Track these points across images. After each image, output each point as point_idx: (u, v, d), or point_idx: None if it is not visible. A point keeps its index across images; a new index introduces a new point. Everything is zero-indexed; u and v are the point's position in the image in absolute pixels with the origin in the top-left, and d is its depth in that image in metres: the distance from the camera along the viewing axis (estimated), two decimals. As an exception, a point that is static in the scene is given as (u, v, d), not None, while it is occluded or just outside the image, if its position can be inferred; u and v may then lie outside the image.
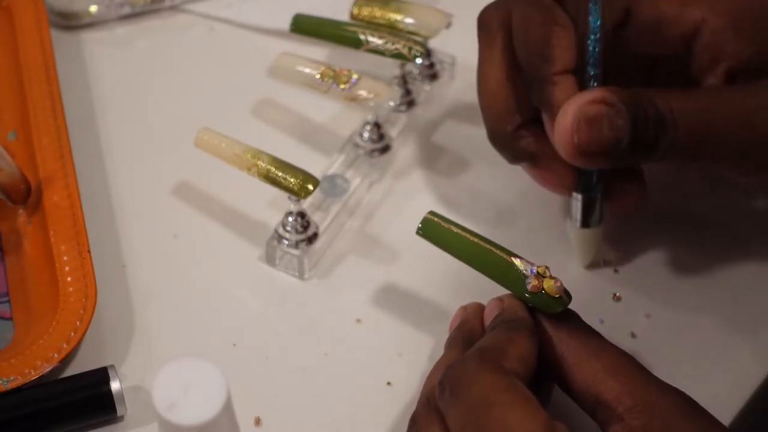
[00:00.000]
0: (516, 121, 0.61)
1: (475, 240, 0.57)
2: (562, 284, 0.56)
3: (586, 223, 0.62)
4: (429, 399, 0.53)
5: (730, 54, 0.57)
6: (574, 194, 0.62)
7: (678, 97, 0.56)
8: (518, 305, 0.57)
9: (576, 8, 0.59)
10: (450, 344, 0.57)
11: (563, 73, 0.58)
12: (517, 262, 0.56)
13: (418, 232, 0.58)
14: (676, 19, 0.58)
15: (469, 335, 0.57)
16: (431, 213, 0.58)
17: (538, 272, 0.56)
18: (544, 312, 0.56)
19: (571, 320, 0.56)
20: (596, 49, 0.58)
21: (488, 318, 0.57)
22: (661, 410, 0.51)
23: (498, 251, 0.57)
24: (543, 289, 0.56)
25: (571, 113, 0.56)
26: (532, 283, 0.56)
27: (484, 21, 0.62)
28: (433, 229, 0.58)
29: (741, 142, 0.56)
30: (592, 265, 0.65)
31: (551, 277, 0.56)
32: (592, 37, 0.58)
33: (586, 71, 0.59)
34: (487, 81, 0.61)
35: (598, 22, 0.58)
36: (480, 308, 0.59)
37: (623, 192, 0.62)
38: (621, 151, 0.55)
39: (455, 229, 0.58)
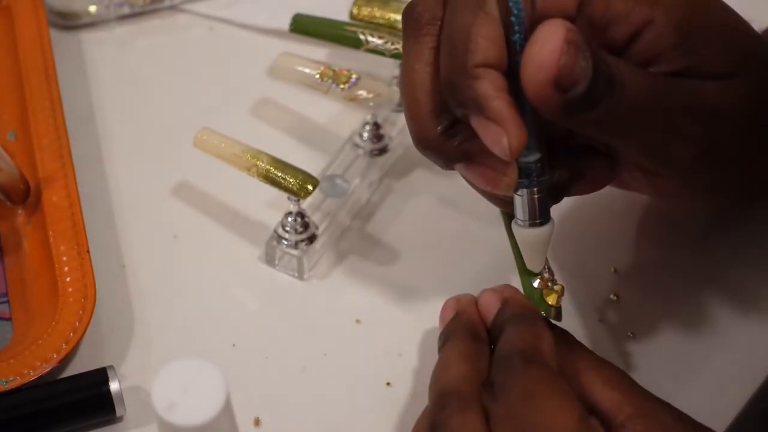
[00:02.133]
0: (447, 119, 0.55)
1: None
2: (560, 303, 0.57)
3: (534, 220, 0.56)
4: (459, 392, 0.53)
5: (667, 60, 0.55)
6: (522, 189, 0.55)
7: (627, 63, 0.54)
8: (521, 296, 0.57)
9: None
10: (453, 334, 0.57)
11: (485, 66, 0.52)
12: (545, 267, 0.57)
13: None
14: (625, 17, 0.55)
15: (470, 324, 0.57)
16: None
17: (553, 278, 0.57)
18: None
19: (568, 337, 0.56)
20: (521, 18, 0.52)
21: (486, 309, 0.57)
22: (660, 418, 0.52)
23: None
24: (542, 292, 0.56)
25: (563, 35, 0.50)
26: (538, 280, 0.57)
27: (413, 14, 0.56)
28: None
29: (674, 131, 0.55)
30: (538, 271, 0.59)
31: (557, 292, 0.57)
32: (515, 11, 0.52)
33: (511, 41, 0.53)
34: (413, 77, 0.55)
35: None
36: (473, 300, 0.59)
37: (593, 170, 0.59)
38: (578, 95, 0.51)
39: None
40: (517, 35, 0.52)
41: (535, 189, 0.55)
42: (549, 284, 0.57)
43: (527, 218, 0.56)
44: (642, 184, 0.61)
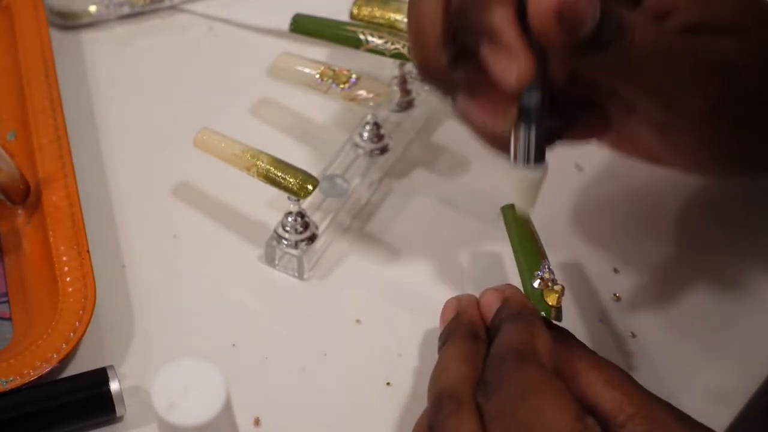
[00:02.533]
0: (451, 50, 0.55)
1: (533, 234, 0.59)
2: (560, 304, 0.56)
3: (527, 159, 0.56)
4: (457, 392, 0.52)
5: (682, 15, 0.56)
6: (519, 127, 0.56)
7: (638, 13, 0.55)
8: (521, 296, 0.57)
9: None
10: (453, 334, 0.57)
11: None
12: (544, 264, 0.57)
13: (502, 208, 0.60)
14: None
15: (471, 326, 0.57)
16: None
17: (553, 278, 0.57)
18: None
19: (568, 337, 0.56)
20: None
21: (487, 309, 0.57)
22: (661, 417, 0.52)
23: (538, 244, 0.58)
24: (543, 293, 0.56)
25: None
26: (538, 280, 0.57)
27: None
28: (513, 213, 0.59)
29: (685, 85, 0.56)
30: (529, 213, 0.59)
31: (558, 292, 0.56)
32: None
33: None
34: (422, 8, 0.55)
35: None
36: (474, 300, 0.58)
37: (588, 119, 0.59)
38: (584, 35, 0.52)
39: (529, 224, 0.59)
40: None
41: (533, 128, 0.55)
42: (549, 284, 0.57)
43: (523, 157, 0.56)
44: (659, 144, 0.60)
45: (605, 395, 0.53)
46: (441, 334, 0.58)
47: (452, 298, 0.59)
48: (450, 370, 0.54)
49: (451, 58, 0.55)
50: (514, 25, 0.52)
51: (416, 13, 0.55)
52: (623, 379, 0.54)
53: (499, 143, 0.57)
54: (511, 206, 0.60)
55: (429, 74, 0.56)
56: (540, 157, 0.56)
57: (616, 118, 0.61)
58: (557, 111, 0.57)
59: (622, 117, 0.61)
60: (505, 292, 0.57)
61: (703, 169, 0.64)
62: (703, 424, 0.53)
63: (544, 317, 0.56)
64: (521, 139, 0.55)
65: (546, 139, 0.56)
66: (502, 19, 0.52)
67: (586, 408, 0.52)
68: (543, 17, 0.51)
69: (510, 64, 0.52)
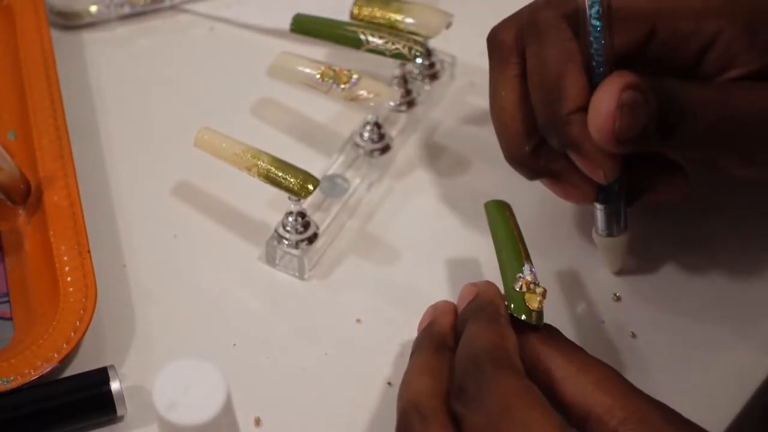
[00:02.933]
0: (534, 140, 0.61)
1: (515, 235, 0.60)
2: (542, 308, 0.56)
3: (610, 231, 0.63)
4: (420, 406, 0.52)
5: (743, 62, 0.58)
6: (596, 204, 0.62)
7: (697, 88, 0.57)
8: (494, 291, 0.57)
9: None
10: (419, 347, 0.56)
11: (576, 112, 0.57)
12: (527, 266, 0.57)
13: (485, 204, 0.62)
14: (694, 34, 0.58)
15: (438, 337, 0.56)
16: (505, 203, 0.62)
17: (535, 280, 0.57)
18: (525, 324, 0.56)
19: (554, 335, 0.56)
20: (600, 50, 0.58)
21: (463, 302, 0.57)
22: (652, 421, 0.51)
23: (523, 252, 0.58)
24: (524, 296, 0.56)
25: (613, 100, 0.55)
26: (519, 282, 0.56)
27: (496, 42, 0.61)
28: (496, 209, 0.62)
29: (754, 137, 0.57)
30: (621, 272, 0.65)
31: (540, 296, 0.56)
32: (595, 45, 0.58)
33: (593, 71, 0.58)
34: (502, 103, 0.61)
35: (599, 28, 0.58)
36: (450, 307, 0.58)
37: (667, 183, 0.62)
38: (648, 137, 0.56)
39: (510, 221, 0.61)
40: (597, 68, 0.58)
41: (613, 206, 0.62)
42: (531, 286, 0.56)
43: (604, 228, 0.63)
44: (739, 176, 0.63)
45: (595, 399, 0.52)
46: (412, 346, 0.58)
47: (430, 306, 0.59)
48: (413, 384, 0.54)
49: (533, 147, 0.61)
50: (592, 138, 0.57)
51: (497, 109, 0.62)
52: (613, 380, 0.53)
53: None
54: (495, 202, 0.62)
55: (514, 161, 0.62)
56: (620, 227, 0.63)
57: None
58: (635, 175, 0.62)
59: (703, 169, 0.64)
60: (480, 287, 0.57)
61: None
62: (698, 425, 0.53)
63: (529, 334, 0.55)
64: (603, 214, 0.62)
65: (625, 207, 0.62)
66: (582, 133, 0.57)
67: (579, 413, 0.52)
68: (603, 141, 0.56)
69: (596, 169, 0.58)
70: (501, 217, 0.61)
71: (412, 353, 0.56)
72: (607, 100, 0.56)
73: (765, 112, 0.57)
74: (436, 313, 0.58)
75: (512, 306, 0.56)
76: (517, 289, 0.56)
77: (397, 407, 0.54)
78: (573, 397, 0.53)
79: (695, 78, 0.59)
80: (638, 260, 0.66)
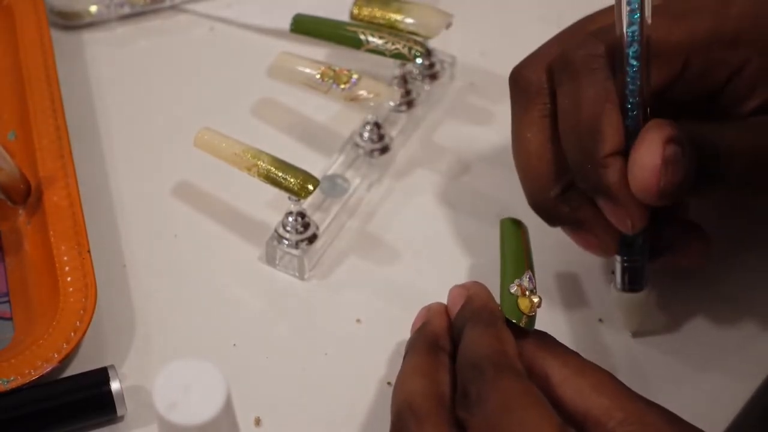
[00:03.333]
0: (560, 186, 0.59)
1: (523, 248, 0.59)
2: (534, 314, 0.56)
3: (631, 287, 0.61)
4: (414, 407, 0.52)
5: (763, 93, 0.58)
6: (617, 257, 0.60)
7: (731, 131, 0.57)
8: (486, 293, 0.57)
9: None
10: (412, 348, 0.56)
11: (614, 155, 0.56)
12: (527, 274, 0.57)
13: (501, 221, 0.61)
14: (724, 62, 0.58)
15: (431, 338, 0.56)
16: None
17: (533, 288, 0.56)
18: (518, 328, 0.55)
19: (549, 341, 0.56)
20: (635, 91, 0.57)
21: (453, 308, 0.57)
22: (650, 422, 0.51)
23: (526, 262, 0.58)
24: (518, 299, 0.56)
25: (658, 156, 0.55)
26: (515, 286, 0.56)
27: (521, 81, 0.60)
28: (511, 226, 0.61)
29: None
30: (641, 333, 0.63)
31: (534, 303, 0.56)
32: (631, 87, 0.56)
33: (626, 110, 0.57)
34: (526, 145, 0.59)
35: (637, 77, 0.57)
36: (443, 308, 0.58)
37: (688, 246, 0.61)
38: (686, 189, 0.55)
39: (522, 237, 0.60)
40: (632, 110, 0.57)
41: (635, 260, 0.60)
42: (527, 292, 0.56)
43: (622, 284, 0.61)
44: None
45: (593, 401, 0.52)
46: (405, 347, 0.58)
47: (424, 307, 0.59)
48: (407, 385, 0.54)
49: (558, 193, 0.59)
50: (627, 185, 0.56)
51: (521, 152, 0.60)
52: (610, 383, 0.53)
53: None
54: (511, 220, 0.61)
55: (538, 206, 0.60)
56: (639, 283, 0.61)
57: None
58: (656, 236, 0.61)
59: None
60: (470, 289, 0.57)
61: None
62: (696, 426, 0.53)
63: (525, 339, 0.55)
64: (624, 269, 0.60)
65: (646, 264, 0.60)
66: (617, 178, 0.56)
67: (576, 415, 0.52)
68: (644, 197, 0.55)
69: (625, 219, 0.57)
70: (514, 233, 0.60)
71: (406, 354, 0.57)
72: (651, 155, 0.55)
73: None
74: (429, 314, 0.58)
75: (503, 307, 0.56)
76: (512, 292, 0.56)
77: (391, 408, 0.54)
78: (571, 400, 0.53)
79: (715, 108, 0.59)
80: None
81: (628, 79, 0.56)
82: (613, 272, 0.61)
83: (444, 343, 0.56)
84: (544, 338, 0.56)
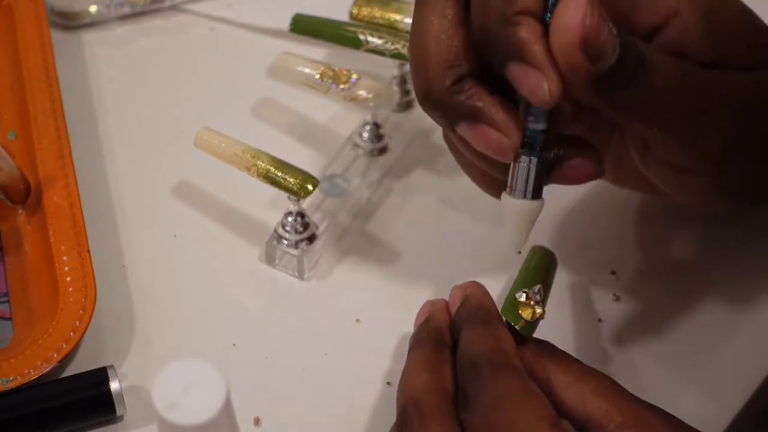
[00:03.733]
0: (458, 72, 0.53)
1: (544, 267, 0.58)
2: (530, 322, 0.55)
3: (527, 191, 0.54)
4: (419, 402, 0.52)
5: (693, 53, 0.55)
6: (520, 157, 0.54)
7: (658, 51, 0.54)
8: (483, 292, 0.57)
9: None
10: (417, 342, 0.56)
11: (525, 14, 0.51)
12: (538, 287, 0.56)
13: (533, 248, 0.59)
14: (650, 5, 0.55)
15: (435, 333, 0.56)
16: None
17: (539, 300, 0.56)
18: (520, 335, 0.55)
19: (550, 348, 0.56)
20: None
21: (453, 306, 0.57)
22: (650, 424, 0.51)
23: (543, 276, 0.57)
24: (520, 304, 0.56)
25: (581, 13, 0.50)
26: (524, 295, 0.56)
27: None
28: (541, 253, 0.59)
29: (703, 122, 0.55)
30: (520, 249, 0.58)
31: (536, 312, 0.55)
32: None
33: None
34: (427, 29, 0.54)
35: None
36: (445, 305, 0.58)
37: (579, 160, 0.56)
38: (607, 67, 0.51)
39: (547, 261, 0.59)
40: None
41: (535, 159, 0.54)
42: (532, 303, 0.56)
43: (522, 188, 0.54)
44: (669, 183, 0.59)
45: (594, 405, 0.52)
46: (409, 341, 0.58)
47: (426, 302, 0.59)
48: (412, 380, 0.54)
49: (452, 82, 0.53)
50: (542, 43, 0.51)
51: (419, 34, 0.54)
52: (611, 387, 0.53)
53: (493, 182, 0.57)
54: (543, 248, 0.60)
55: (430, 99, 0.54)
56: (538, 191, 0.55)
57: (623, 158, 0.60)
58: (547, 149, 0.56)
59: (631, 156, 0.60)
60: (467, 289, 0.57)
61: (713, 205, 0.64)
62: (696, 429, 0.53)
63: (526, 346, 0.55)
64: (521, 170, 0.54)
65: (546, 169, 0.55)
66: (530, 35, 0.51)
67: (578, 420, 0.52)
68: (567, 51, 0.50)
69: (541, 83, 0.51)
70: (542, 258, 0.59)
71: (411, 348, 0.57)
72: (575, 12, 0.50)
73: (720, 98, 0.55)
74: (432, 309, 0.58)
75: (503, 307, 0.56)
76: (516, 297, 0.56)
77: (396, 402, 0.54)
78: (572, 405, 0.53)
79: None
80: (638, 261, 0.66)
81: None
82: (510, 175, 0.55)
83: (447, 339, 0.56)
84: (546, 346, 0.56)
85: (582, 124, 0.58)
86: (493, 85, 0.54)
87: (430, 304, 0.59)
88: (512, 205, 0.55)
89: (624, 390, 0.53)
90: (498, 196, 0.56)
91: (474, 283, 0.58)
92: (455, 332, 0.56)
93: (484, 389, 0.51)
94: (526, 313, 0.55)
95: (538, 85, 0.51)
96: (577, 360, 0.55)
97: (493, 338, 0.54)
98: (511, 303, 0.56)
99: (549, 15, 0.51)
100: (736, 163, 0.57)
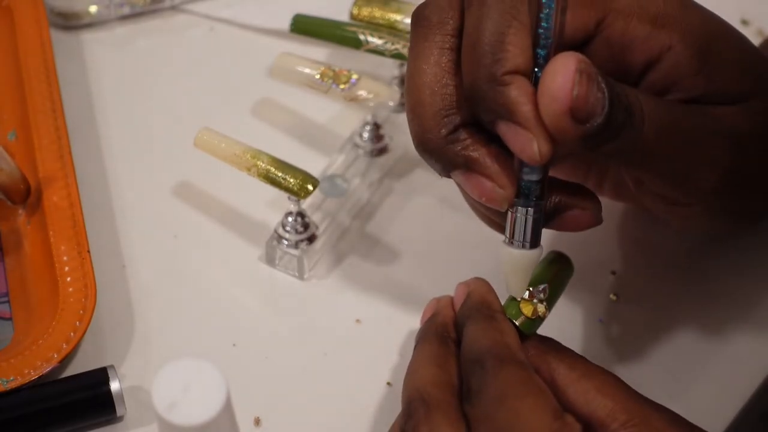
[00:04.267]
0: (453, 122, 0.54)
1: (556, 272, 0.58)
2: (532, 319, 0.55)
3: (525, 240, 0.55)
4: (425, 395, 0.52)
5: (686, 87, 0.56)
6: (517, 208, 0.55)
7: (647, 97, 0.54)
8: (486, 288, 0.57)
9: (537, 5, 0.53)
10: (423, 337, 0.57)
11: (515, 73, 0.52)
12: (543, 286, 0.56)
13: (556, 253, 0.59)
14: (644, 42, 0.55)
15: (441, 328, 0.56)
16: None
17: (542, 299, 0.56)
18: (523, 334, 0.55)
19: (555, 345, 0.55)
20: (548, 31, 0.52)
21: (458, 302, 0.57)
22: (654, 423, 0.51)
23: (552, 277, 0.57)
24: (522, 301, 0.56)
25: (574, 65, 0.50)
26: (527, 292, 0.56)
27: (423, 13, 0.55)
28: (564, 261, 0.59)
29: (695, 160, 0.56)
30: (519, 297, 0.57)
31: (537, 309, 0.55)
32: (544, 24, 0.52)
33: (536, 53, 0.53)
34: (421, 79, 0.54)
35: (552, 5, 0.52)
36: (450, 300, 0.58)
37: (578, 212, 0.56)
38: (596, 126, 0.51)
39: (559, 265, 0.59)
40: (542, 50, 0.52)
41: (531, 210, 0.54)
42: (534, 300, 0.56)
43: (519, 239, 0.55)
44: (665, 213, 0.61)
45: (598, 403, 0.52)
46: (415, 338, 0.58)
47: (433, 299, 0.59)
48: (419, 374, 0.54)
49: (448, 132, 0.54)
50: (532, 102, 0.51)
51: (413, 84, 0.55)
52: (615, 386, 0.53)
53: (493, 221, 0.58)
54: (560, 253, 0.59)
55: (426, 147, 0.55)
56: (535, 240, 0.55)
57: (622, 181, 0.61)
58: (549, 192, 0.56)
59: (626, 190, 0.61)
60: (470, 285, 0.57)
61: (710, 230, 0.65)
62: (700, 427, 0.53)
63: (531, 344, 0.55)
64: (518, 220, 0.55)
65: (542, 217, 0.55)
66: (520, 96, 0.51)
67: (582, 417, 0.52)
68: (555, 119, 0.51)
69: (530, 142, 0.51)
70: (555, 261, 0.59)
71: (417, 343, 0.57)
72: (566, 64, 0.50)
73: (709, 134, 0.55)
74: (438, 306, 0.58)
75: (506, 303, 0.56)
76: (518, 295, 0.56)
77: (402, 395, 0.54)
78: (576, 403, 0.53)
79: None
80: (638, 261, 0.66)
81: (542, 16, 0.52)
82: (508, 225, 0.55)
83: (453, 335, 0.56)
84: (550, 343, 0.56)
85: (578, 154, 0.59)
86: (489, 132, 0.54)
87: (436, 301, 0.59)
88: (509, 255, 0.55)
89: (628, 388, 0.53)
90: (502, 231, 0.56)
91: (478, 279, 0.58)
92: (459, 328, 0.56)
93: (488, 383, 0.51)
94: (527, 310, 0.55)
95: (528, 144, 0.52)
96: (581, 357, 0.55)
97: (497, 333, 0.54)
98: (513, 299, 0.56)
99: (538, 72, 0.52)
100: (731, 193, 0.58)
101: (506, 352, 0.53)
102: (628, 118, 0.52)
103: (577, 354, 0.55)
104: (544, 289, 0.56)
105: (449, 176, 0.56)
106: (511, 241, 0.55)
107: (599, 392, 0.53)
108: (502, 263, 0.56)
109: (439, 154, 0.55)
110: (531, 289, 0.56)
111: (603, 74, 0.51)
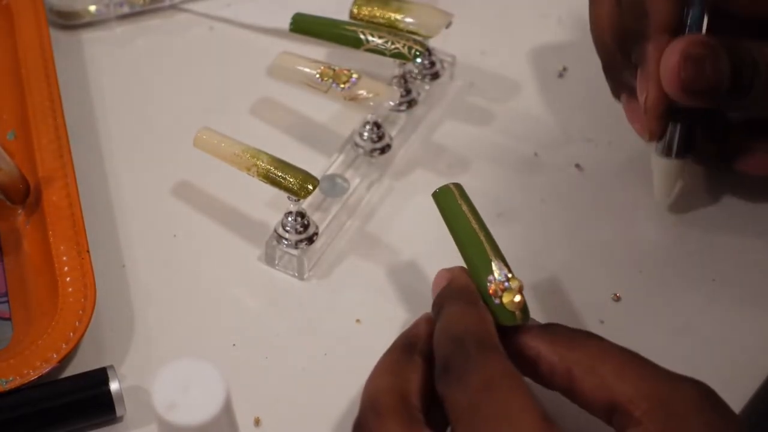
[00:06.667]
0: (626, 55, 0.63)
1: (474, 227, 0.57)
2: (523, 302, 0.54)
3: (669, 150, 0.64)
4: (376, 403, 0.52)
5: None
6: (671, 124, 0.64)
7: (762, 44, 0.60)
8: (466, 277, 0.56)
9: None
10: (389, 348, 0.56)
11: (659, 31, 0.60)
12: (494, 264, 0.55)
13: (433, 194, 0.59)
14: None
15: (411, 338, 0.55)
16: (455, 185, 0.59)
17: (507, 279, 0.55)
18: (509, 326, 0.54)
19: (559, 331, 0.54)
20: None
21: (438, 286, 0.57)
22: (675, 408, 0.50)
23: (487, 246, 0.56)
24: (501, 297, 0.54)
25: (678, 51, 0.59)
26: (491, 286, 0.55)
27: None
28: (446, 199, 0.58)
29: None
30: (671, 207, 0.67)
31: (516, 292, 0.54)
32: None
33: (685, 21, 0.61)
34: (599, 23, 0.64)
35: None
36: (430, 317, 0.57)
37: (763, 152, 0.64)
38: (721, 92, 0.59)
39: (464, 207, 0.57)
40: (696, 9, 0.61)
41: (678, 126, 0.63)
42: (504, 286, 0.55)
43: (663, 147, 0.64)
44: None
45: (617, 389, 0.51)
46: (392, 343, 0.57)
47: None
48: (374, 382, 0.54)
49: (624, 59, 0.63)
50: (658, 62, 0.60)
51: (596, 26, 0.65)
52: (633, 365, 0.52)
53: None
54: (443, 190, 0.58)
55: (606, 68, 0.66)
56: (679, 152, 0.64)
57: None
58: (734, 134, 0.65)
59: None
60: (454, 272, 0.57)
61: None
62: (729, 407, 0.51)
63: (538, 337, 0.54)
64: (669, 132, 0.63)
65: (691, 140, 0.63)
66: (653, 52, 0.61)
67: (602, 407, 0.51)
68: (677, 96, 0.60)
69: (643, 92, 0.62)
70: (454, 205, 0.58)
71: (384, 355, 0.56)
72: (671, 53, 0.59)
73: None
74: (418, 320, 0.57)
75: (496, 317, 0.54)
76: (491, 294, 0.54)
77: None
78: (596, 391, 0.51)
79: None
80: (638, 261, 0.66)
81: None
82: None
83: (422, 346, 0.55)
84: (557, 331, 0.54)
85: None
86: None
87: (448, 272, 0.57)
88: (654, 161, 0.65)
89: (648, 366, 0.52)
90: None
91: (461, 268, 0.57)
92: (435, 312, 0.55)
93: (471, 368, 0.51)
94: (511, 305, 0.54)
95: (642, 92, 0.62)
96: (595, 337, 0.53)
97: (477, 317, 0.53)
98: (497, 309, 0.54)
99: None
100: None
101: (489, 339, 0.52)
102: (755, 71, 0.60)
103: (588, 334, 0.54)
104: (501, 270, 0.55)
105: (618, 99, 0.66)
106: (656, 149, 0.64)
107: (618, 377, 0.51)
108: (653, 170, 0.65)
109: (613, 78, 0.66)
110: (491, 279, 0.55)
111: (728, 42, 0.59)
